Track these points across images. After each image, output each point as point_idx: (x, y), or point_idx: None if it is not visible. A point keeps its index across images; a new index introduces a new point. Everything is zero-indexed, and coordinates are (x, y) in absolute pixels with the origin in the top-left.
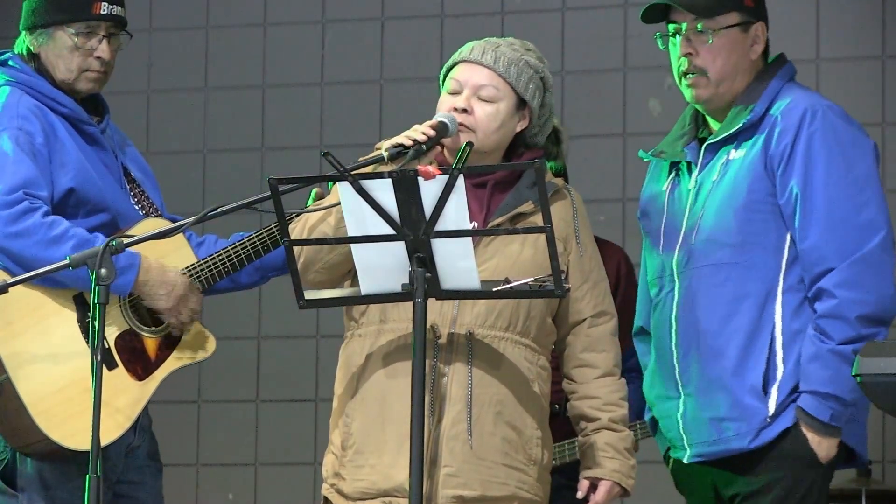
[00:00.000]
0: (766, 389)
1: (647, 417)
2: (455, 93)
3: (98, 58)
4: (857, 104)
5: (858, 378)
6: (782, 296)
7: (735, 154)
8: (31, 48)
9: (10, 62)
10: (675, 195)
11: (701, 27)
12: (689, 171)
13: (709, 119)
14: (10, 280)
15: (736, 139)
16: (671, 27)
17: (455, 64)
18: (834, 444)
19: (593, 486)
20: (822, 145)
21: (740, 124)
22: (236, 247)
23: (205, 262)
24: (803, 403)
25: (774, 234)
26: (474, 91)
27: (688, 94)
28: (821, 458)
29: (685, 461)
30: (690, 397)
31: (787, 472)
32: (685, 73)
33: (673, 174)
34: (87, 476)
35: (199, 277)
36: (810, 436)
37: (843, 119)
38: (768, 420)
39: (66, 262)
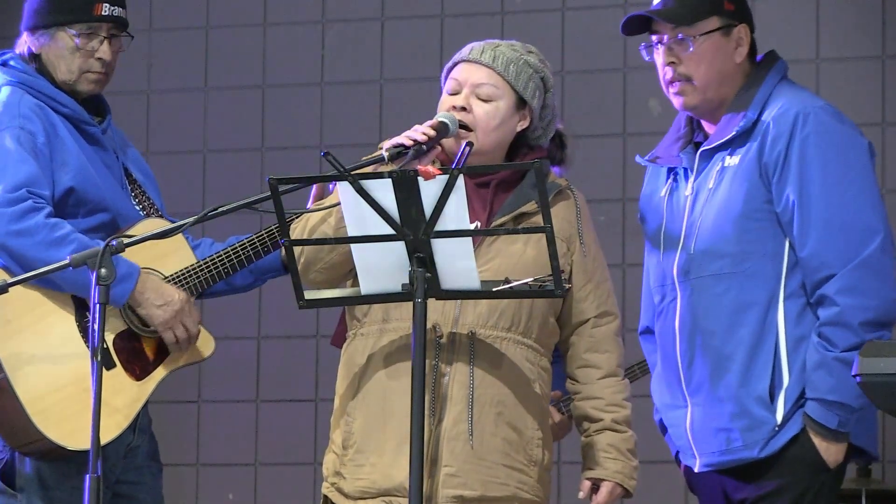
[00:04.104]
0: (772, 398)
1: (655, 419)
2: (455, 92)
3: (99, 59)
4: (857, 104)
5: (858, 378)
6: (784, 303)
7: (730, 161)
8: (33, 49)
9: (11, 62)
10: (673, 201)
11: (682, 35)
12: (686, 177)
13: (704, 124)
14: (10, 280)
15: (730, 145)
16: (654, 37)
17: (455, 64)
18: (842, 450)
19: (595, 487)
20: (817, 149)
21: (733, 132)
22: (236, 248)
23: (203, 264)
24: (810, 411)
25: (773, 241)
26: (473, 89)
27: (676, 102)
28: (829, 463)
29: (696, 470)
30: (698, 407)
31: (797, 478)
32: (671, 82)
33: (671, 179)
34: (87, 476)
35: (197, 279)
36: (818, 442)
37: (835, 119)
38: (776, 429)
39: (67, 261)
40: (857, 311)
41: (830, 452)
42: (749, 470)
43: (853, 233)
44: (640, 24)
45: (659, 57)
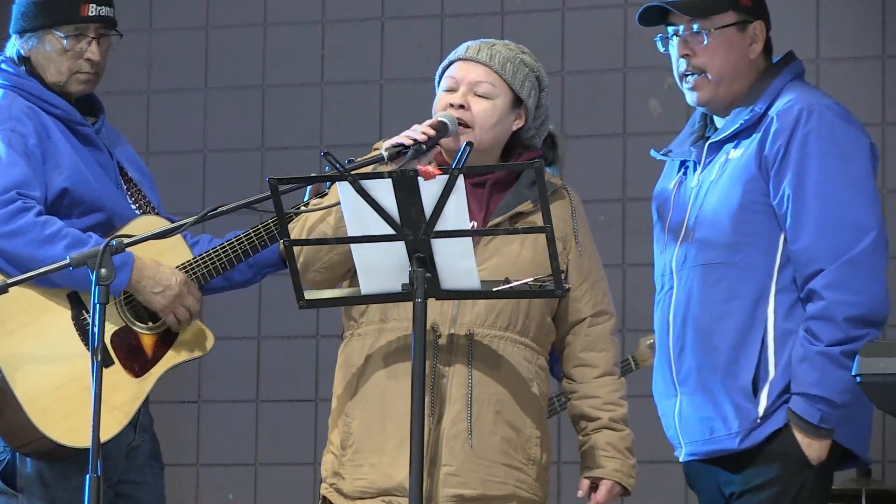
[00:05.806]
0: (756, 390)
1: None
2: (451, 90)
3: (88, 59)
4: (857, 104)
5: (858, 378)
6: (775, 296)
7: (734, 153)
8: (22, 52)
9: (1, 65)
10: (679, 193)
11: (697, 28)
12: (695, 170)
13: (716, 119)
14: (9, 280)
15: (736, 138)
16: (670, 29)
17: (451, 63)
18: (825, 446)
19: (594, 486)
20: (817, 145)
21: (739, 124)
22: (233, 243)
23: (200, 259)
24: (793, 405)
25: (768, 234)
26: (471, 87)
27: (689, 97)
28: (811, 459)
29: (681, 459)
30: (686, 396)
31: (780, 472)
32: (685, 75)
33: (680, 172)
34: (87, 476)
35: (193, 275)
36: (800, 437)
37: (840, 118)
38: (758, 421)
39: (67, 261)
40: (843, 307)
41: (813, 448)
42: (736, 462)
43: (845, 230)
44: (656, 16)
45: (674, 49)
